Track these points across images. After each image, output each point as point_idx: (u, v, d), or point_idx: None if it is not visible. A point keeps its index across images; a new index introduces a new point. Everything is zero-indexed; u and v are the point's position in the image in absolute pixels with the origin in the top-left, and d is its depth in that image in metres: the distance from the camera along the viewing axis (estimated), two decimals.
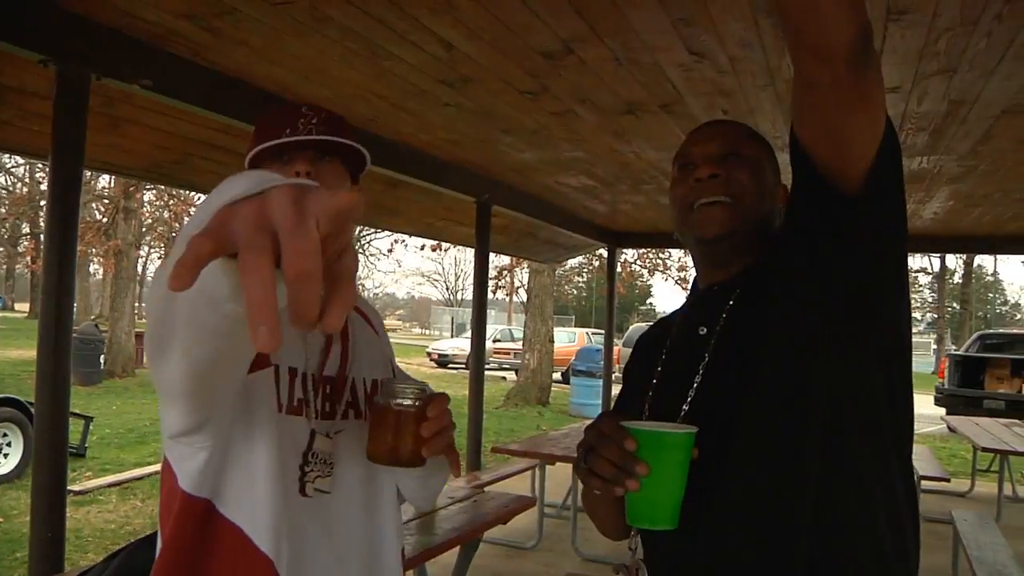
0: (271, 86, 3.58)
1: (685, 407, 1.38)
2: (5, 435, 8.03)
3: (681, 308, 1.61)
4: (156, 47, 3.03)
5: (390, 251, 39.23)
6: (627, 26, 2.75)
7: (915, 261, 43.46)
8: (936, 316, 39.53)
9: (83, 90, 2.78)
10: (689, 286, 1.64)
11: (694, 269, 1.58)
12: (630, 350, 1.74)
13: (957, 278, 39.38)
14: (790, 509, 1.26)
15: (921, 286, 45.10)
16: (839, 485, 1.26)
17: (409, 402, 1.30)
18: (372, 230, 35.46)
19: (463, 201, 6.01)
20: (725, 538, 1.28)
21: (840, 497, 1.26)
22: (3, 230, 37.49)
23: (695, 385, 1.38)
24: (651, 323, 1.79)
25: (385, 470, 1.43)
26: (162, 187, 18.83)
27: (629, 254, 23.94)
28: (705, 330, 1.43)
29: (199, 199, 24.67)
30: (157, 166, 4.40)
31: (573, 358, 19.55)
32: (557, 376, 20.08)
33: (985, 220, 7.08)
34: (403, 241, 28.41)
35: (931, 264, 40.63)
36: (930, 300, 42.75)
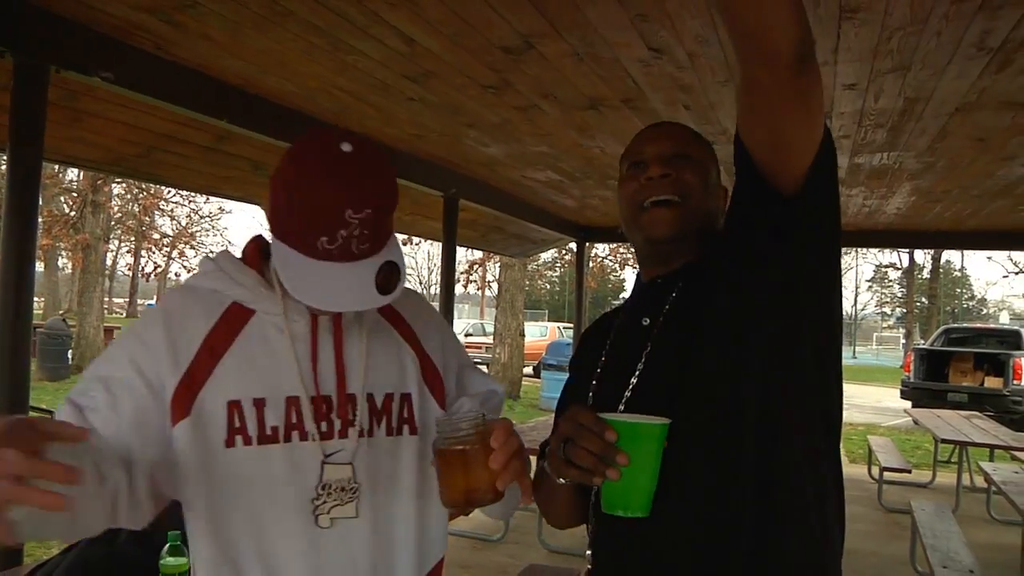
0: (234, 79, 3.58)
1: (627, 394, 1.41)
2: None
3: (626, 301, 1.64)
4: (117, 40, 3.02)
5: None
6: (585, 22, 2.79)
7: (884, 256, 44.03)
8: (905, 311, 40.05)
9: (42, 82, 2.77)
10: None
11: (636, 263, 1.63)
12: None
13: (926, 273, 39.92)
14: (731, 494, 1.30)
15: (891, 281, 45.69)
16: (774, 471, 1.30)
17: (471, 438, 1.23)
18: None
19: (430, 195, 6.03)
20: (671, 522, 1.31)
21: (775, 482, 1.30)
22: None
23: (637, 373, 1.42)
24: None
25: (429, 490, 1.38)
26: (130, 180, 18.66)
27: (601, 249, 24.06)
28: (648, 321, 1.46)
29: (168, 193, 24.43)
30: (121, 159, 4.38)
31: (544, 352, 19.63)
32: (528, 370, 20.14)
33: (946, 216, 7.21)
34: None
35: (900, 259, 41.17)
36: (899, 295, 43.30)
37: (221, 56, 3.24)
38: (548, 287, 47.51)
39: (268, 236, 1.36)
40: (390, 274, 1.29)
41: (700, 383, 1.34)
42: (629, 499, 1.26)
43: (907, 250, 36.99)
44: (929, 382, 14.70)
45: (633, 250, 1.62)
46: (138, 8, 2.74)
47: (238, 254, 1.46)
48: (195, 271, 1.47)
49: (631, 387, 1.42)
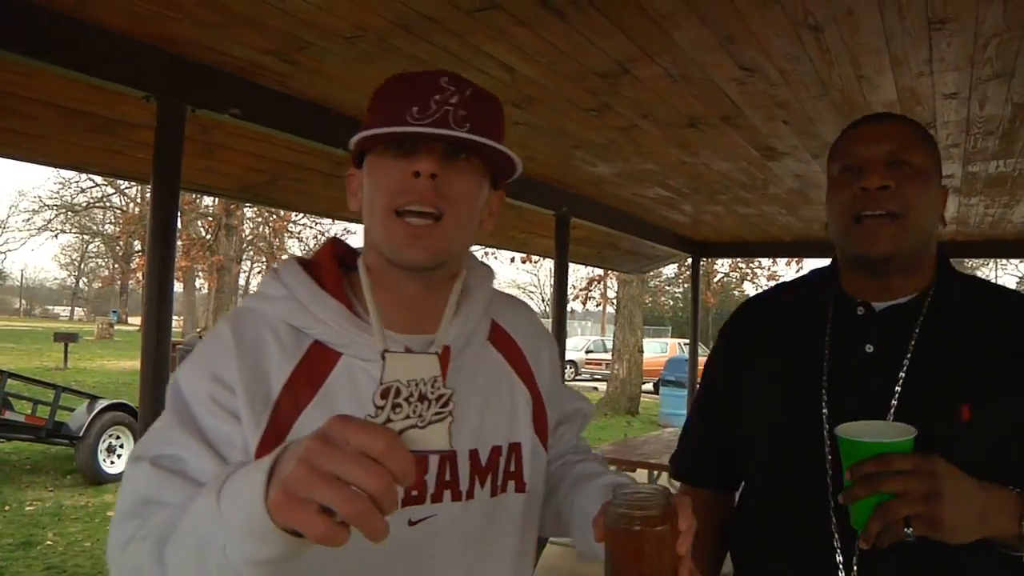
0: (351, 110, 3.84)
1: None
2: (118, 437, 8.65)
3: (833, 323, 1.48)
4: (244, 79, 3.32)
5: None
6: (674, 46, 2.90)
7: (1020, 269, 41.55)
8: None
9: (180, 120, 3.08)
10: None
11: (845, 278, 1.48)
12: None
13: None
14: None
15: None
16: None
17: (658, 517, 1.00)
18: None
19: (543, 214, 6.20)
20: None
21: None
22: (117, 248, 39.52)
23: (893, 406, 1.34)
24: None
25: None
26: (259, 205, 19.69)
27: (721, 264, 23.73)
28: (872, 348, 1.39)
29: (296, 216, 25.55)
30: (250, 187, 4.73)
31: (663, 368, 19.51)
32: (648, 387, 20.04)
33: None
34: (494, 254, 28.70)
35: None
36: None
37: (337, 90, 3.49)
38: (671, 303, 47.01)
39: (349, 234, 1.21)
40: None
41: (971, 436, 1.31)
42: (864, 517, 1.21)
43: None
44: None
45: (752, 265, 1.58)
46: (261, 51, 3.01)
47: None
48: (257, 290, 1.20)
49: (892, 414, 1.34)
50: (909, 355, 1.35)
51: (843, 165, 1.41)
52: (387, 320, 1.15)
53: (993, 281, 1.43)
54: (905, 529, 1.14)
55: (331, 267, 1.19)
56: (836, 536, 1.33)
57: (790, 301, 1.59)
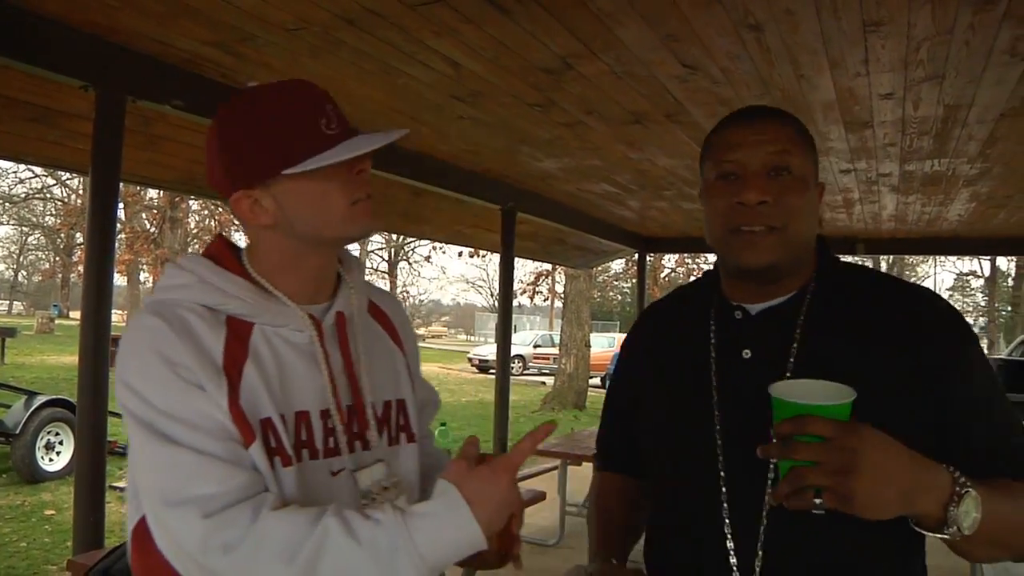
0: None
1: (718, 434, 1.34)
2: (57, 434, 8.47)
3: (715, 327, 1.43)
4: (186, 71, 3.28)
5: (428, 258, 39.47)
6: (618, 43, 2.93)
7: (964, 264, 42.85)
8: (988, 320, 38.88)
9: (120, 111, 3.03)
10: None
11: (725, 282, 1.45)
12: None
13: (1010, 281, 38.71)
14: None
15: (973, 290, 44.36)
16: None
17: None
18: (412, 239, 35.83)
19: (489, 209, 6.22)
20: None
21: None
22: (59, 240, 38.64)
23: (729, 411, 1.34)
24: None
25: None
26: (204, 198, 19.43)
27: (668, 259, 24.01)
28: (749, 354, 1.34)
29: None
30: (193, 179, 4.67)
31: (610, 362, 19.67)
32: (596, 381, 20.19)
33: (1012, 221, 7.10)
34: (441, 248, 28.65)
35: (981, 267, 40.01)
36: (982, 304, 42.04)
37: None
38: (619, 298, 47.37)
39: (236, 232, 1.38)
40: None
41: None
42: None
43: (988, 257, 35.91)
44: (1009, 394, 14.27)
45: (699, 261, 1.54)
46: (204, 42, 2.98)
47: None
48: (161, 284, 1.29)
49: (718, 428, 1.33)
50: (792, 359, 1.30)
51: (720, 172, 1.32)
52: (289, 293, 1.29)
53: (877, 270, 1.42)
54: (815, 499, 1.08)
55: (228, 254, 1.31)
56: (729, 536, 1.30)
57: (684, 307, 1.54)
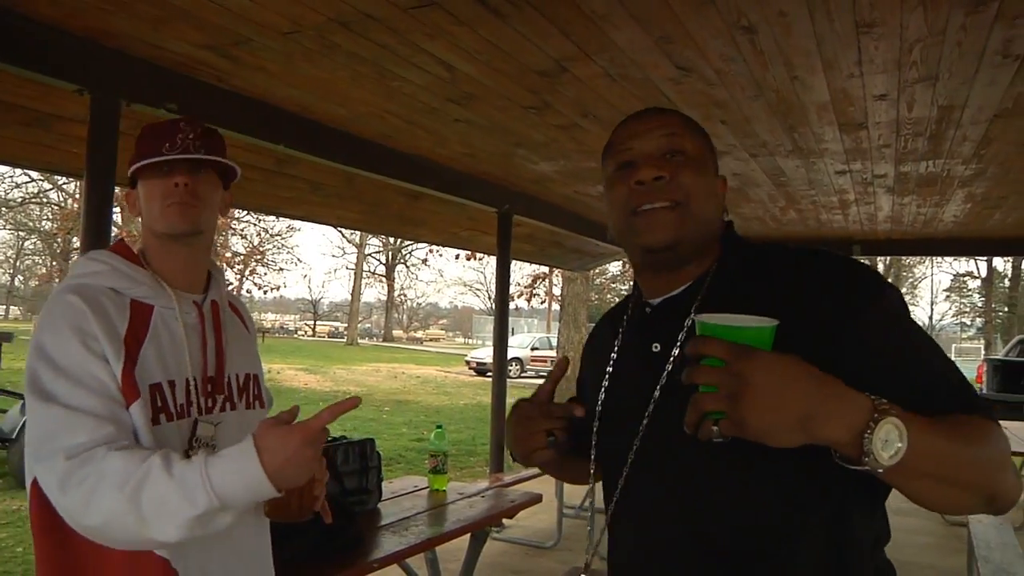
0: (291, 106, 3.82)
1: (641, 429, 1.31)
2: None
3: (627, 319, 1.47)
4: (181, 74, 3.28)
5: (425, 261, 39.46)
6: (612, 45, 2.94)
7: (961, 265, 42.90)
8: (984, 321, 38.92)
9: (115, 115, 3.03)
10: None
11: (639, 278, 1.44)
12: None
13: (1007, 282, 38.77)
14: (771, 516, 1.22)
15: (970, 290, 44.40)
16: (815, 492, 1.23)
17: None
18: (410, 242, 35.81)
19: (486, 211, 6.22)
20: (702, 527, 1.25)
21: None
22: (55, 245, 38.59)
23: (650, 410, 1.30)
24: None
25: None
26: None
27: None
28: (659, 347, 1.32)
29: (240, 213, 25.16)
30: None
31: None
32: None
33: (1008, 222, 7.12)
34: (438, 251, 28.62)
35: (978, 268, 40.07)
36: (979, 304, 42.07)
37: (276, 86, 3.47)
38: (617, 300, 47.34)
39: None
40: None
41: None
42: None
43: (984, 258, 35.98)
44: (1004, 394, 14.30)
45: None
46: (198, 46, 2.98)
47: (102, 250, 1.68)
48: (77, 272, 1.61)
49: (644, 422, 1.30)
50: (677, 347, 1.29)
51: (617, 163, 1.34)
52: (172, 283, 1.62)
53: (785, 244, 1.36)
54: (712, 427, 1.03)
55: (131, 251, 1.64)
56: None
57: (616, 309, 1.56)
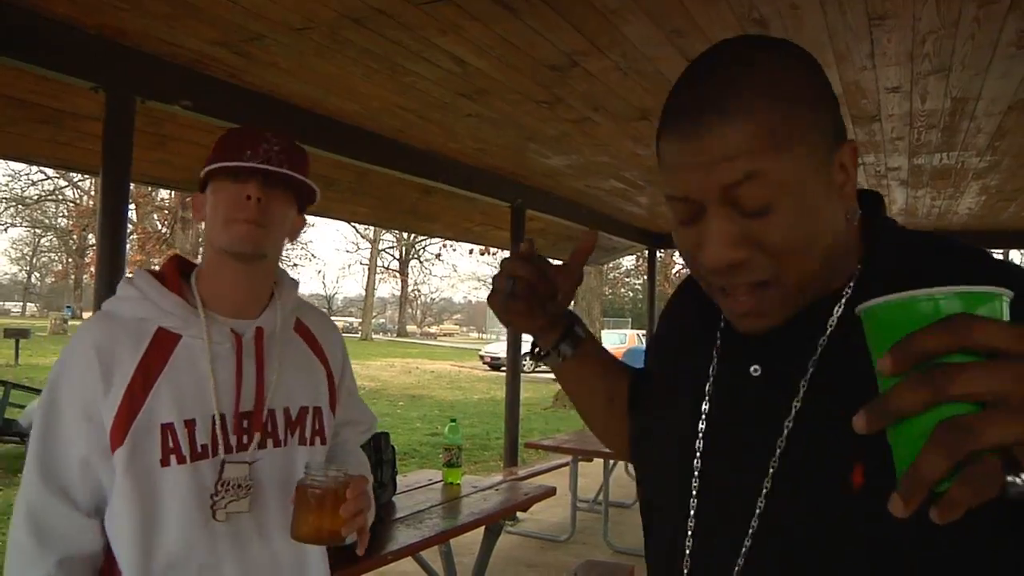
0: (303, 102, 3.84)
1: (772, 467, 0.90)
2: None
3: (720, 338, 1.03)
4: (195, 71, 3.30)
5: (438, 256, 39.46)
6: (623, 40, 2.94)
7: None
8: None
9: (130, 112, 3.06)
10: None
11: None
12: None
13: None
14: None
15: None
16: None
17: (329, 484, 1.37)
18: (423, 237, 35.86)
19: (498, 206, 6.23)
20: None
21: None
22: (71, 242, 38.87)
23: (782, 445, 0.90)
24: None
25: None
26: None
27: (679, 255, 23.94)
28: (759, 371, 0.95)
29: None
30: None
31: (622, 359, 19.65)
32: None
33: (1023, 215, 7.08)
34: (452, 246, 28.66)
35: None
36: None
37: (289, 81, 3.49)
38: (631, 295, 47.30)
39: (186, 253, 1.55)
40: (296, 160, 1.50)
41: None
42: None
43: (1000, 251, 35.74)
44: None
45: None
46: (211, 42, 3.00)
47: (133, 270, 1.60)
48: (115, 295, 1.53)
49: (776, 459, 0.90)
50: (805, 381, 0.91)
51: (668, 192, 0.91)
52: (218, 307, 1.51)
53: (956, 243, 0.92)
54: (1008, 478, 0.57)
55: (172, 273, 1.53)
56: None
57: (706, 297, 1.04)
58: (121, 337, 1.43)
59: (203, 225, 1.55)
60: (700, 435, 0.98)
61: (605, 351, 1.28)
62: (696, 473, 0.97)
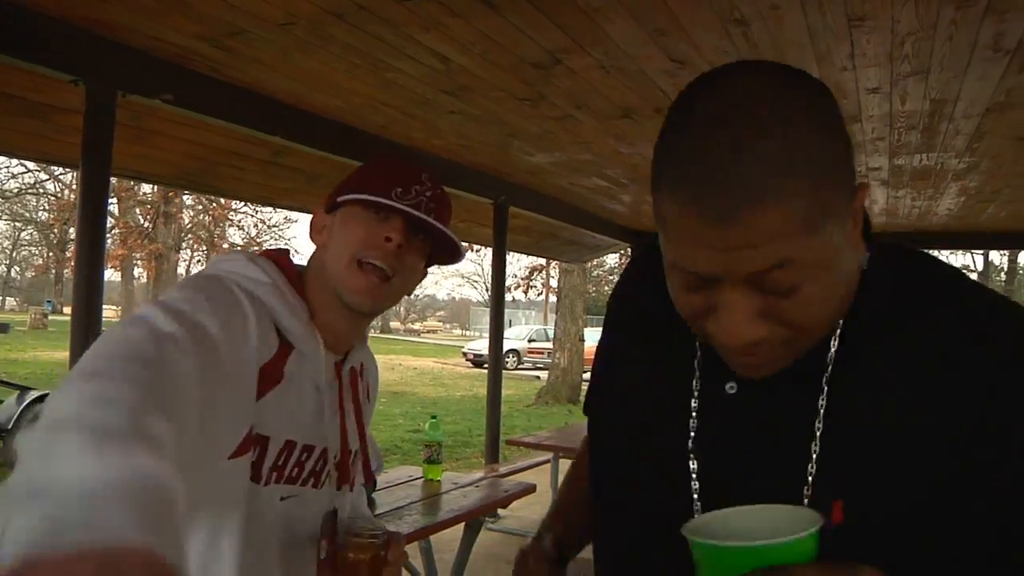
0: (286, 97, 3.83)
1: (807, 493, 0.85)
2: None
3: (700, 355, 0.97)
4: (177, 65, 3.29)
5: None
6: (606, 37, 2.95)
7: (958, 259, 42.99)
8: None
9: (110, 105, 3.05)
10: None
11: None
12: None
13: (1003, 275, 38.87)
14: None
15: None
16: None
17: (376, 544, 1.25)
18: None
19: (482, 203, 6.24)
20: None
21: None
22: (52, 235, 38.57)
23: (812, 473, 0.86)
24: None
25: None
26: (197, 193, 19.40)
27: None
28: (734, 388, 0.92)
29: (237, 204, 25.23)
30: (184, 174, 4.68)
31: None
32: (589, 375, 20.21)
33: (1002, 216, 7.15)
34: None
35: (974, 262, 40.15)
36: None
37: (272, 77, 3.48)
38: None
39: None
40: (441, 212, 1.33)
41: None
42: None
43: (981, 252, 36.06)
44: None
45: None
46: (194, 36, 2.99)
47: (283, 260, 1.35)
48: (229, 267, 1.25)
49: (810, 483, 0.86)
50: (809, 391, 0.88)
51: (675, 263, 0.82)
52: (320, 333, 1.32)
53: (958, 277, 0.94)
54: None
55: (295, 272, 1.33)
56: None
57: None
58: (261, 323, 1.20)
59: (315, 246, 1.36)
60: (691, 453, 0.94)
61: (572, 515, 1.28)
62: (695, 495, 0.94)
